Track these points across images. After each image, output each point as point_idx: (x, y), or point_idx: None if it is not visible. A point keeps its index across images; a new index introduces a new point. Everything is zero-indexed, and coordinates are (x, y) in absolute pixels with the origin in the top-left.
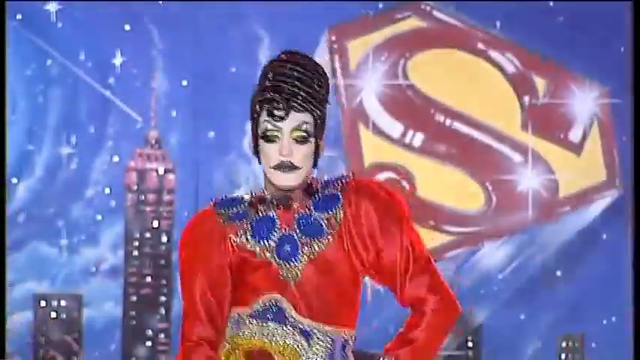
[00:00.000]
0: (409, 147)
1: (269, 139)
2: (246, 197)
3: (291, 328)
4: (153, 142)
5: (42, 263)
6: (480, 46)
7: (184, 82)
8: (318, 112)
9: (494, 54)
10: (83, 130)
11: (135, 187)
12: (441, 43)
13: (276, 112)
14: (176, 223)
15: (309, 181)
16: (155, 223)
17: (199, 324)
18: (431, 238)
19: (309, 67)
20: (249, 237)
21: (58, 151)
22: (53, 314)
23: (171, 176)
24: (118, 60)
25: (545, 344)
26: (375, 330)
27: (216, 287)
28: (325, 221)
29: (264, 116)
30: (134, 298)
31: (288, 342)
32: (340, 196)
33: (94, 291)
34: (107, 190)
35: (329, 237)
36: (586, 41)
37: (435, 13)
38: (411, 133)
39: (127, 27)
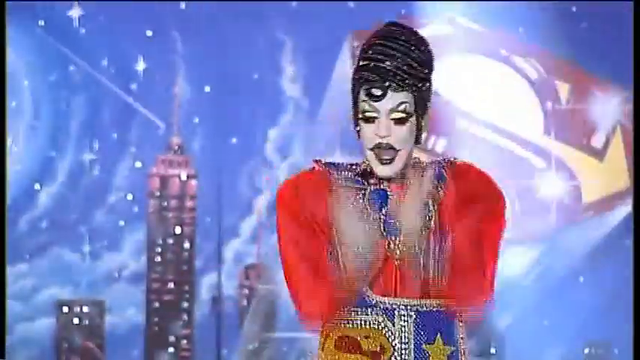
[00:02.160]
0: (432, 152)
1: (367, 120)
2: (352, 165)
3: (366, 309)
4: (175, 148)
5: (64, 269)
6: (503, 51)
7: (207, 88)
8: (418, 89)
9: (517, 59)
10: (105, 136)
11: (157, 193)
12: (463, 49)
13: (373, 92)
14: (198, 229)
15: (412, 161)
16: (177, 229)
17: (330, 285)
18: None
19: (409, 42)
20: (364, 202)
21: (81, 157)
22: (76, 320)
23: (193, 182)
24: (140, 66)
25: (569, 350)
26: None
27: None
28: (430, 198)
29: (362, 96)
30: (157, 304)
31: (371, 325)
32: (445, 175)
33: (117, 297)
34: (129, 196)
35: (434, 213)
36: (609, 46)
37: (458, 18)
38: (433, 138)
39: (150, 33)
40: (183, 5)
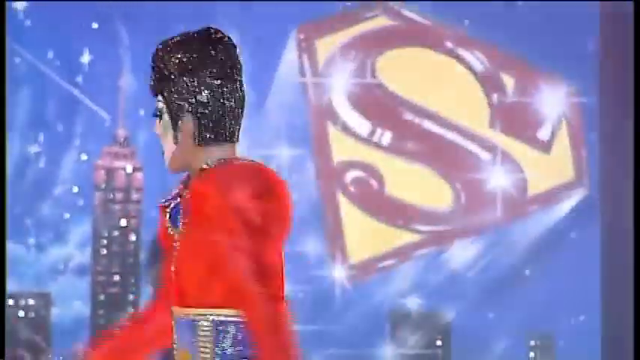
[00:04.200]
0: (377, 145)
1: None
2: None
3: (178, 328)
4: (121, 140)
5: (10, 262)
6: (449, 44)
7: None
8: (163, 93)
9: (463, 52)
10: (51, 129)
11: (103, 186)
12: (409, 42)
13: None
14: (144, 222)
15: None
16: (123, 222)
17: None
18: (400, 237)
19: (158, 50)
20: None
21: (26, 150)
22: (21, 313)
23: (139, 175)
24: (85, 58)
25: (515, 342)
26: (345, 328)
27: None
28: (182, 209)
29: None
30: (102, 297)
31: (185, 344)
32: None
33: (62, 290)
34: (75, 189)
35: (182, 226)
36: (554, 40)
37: (404, 11)
38: (379, 131)
39: (95, 25)
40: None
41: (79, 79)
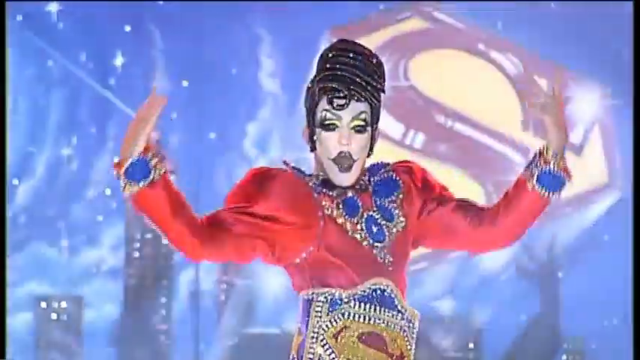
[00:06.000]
0: (410, 148)
1: (328, 128)
2: (310, 175)
3: (396, 314)
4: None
5: (42, 264)
6: (481, 46)
7: (185, 83)
8: (376, 101)
9: (496, 55)
10: (84, 131)
11: None
12: (442, 44)
13: (337, 101)
14: None
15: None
16: None
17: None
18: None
19: (368, 56)
20: (340, 211)
21: (59, 152)
22: (54, 315)
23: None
24: (118, 61)
25: (547, 346)
26: None
27: (276, 225)
28: (394, 205)
29: (323, 104)
30: (135, 300)
31: (398, 329)
32: (399, 180)
33: (95, 292)
34: (108, 191)
35: (402, 219)
36: (587, 42)
37: (436, 14)
38: (411, 133)
39: (128, 28)
40: (161, 2)
41: (112, 81)
